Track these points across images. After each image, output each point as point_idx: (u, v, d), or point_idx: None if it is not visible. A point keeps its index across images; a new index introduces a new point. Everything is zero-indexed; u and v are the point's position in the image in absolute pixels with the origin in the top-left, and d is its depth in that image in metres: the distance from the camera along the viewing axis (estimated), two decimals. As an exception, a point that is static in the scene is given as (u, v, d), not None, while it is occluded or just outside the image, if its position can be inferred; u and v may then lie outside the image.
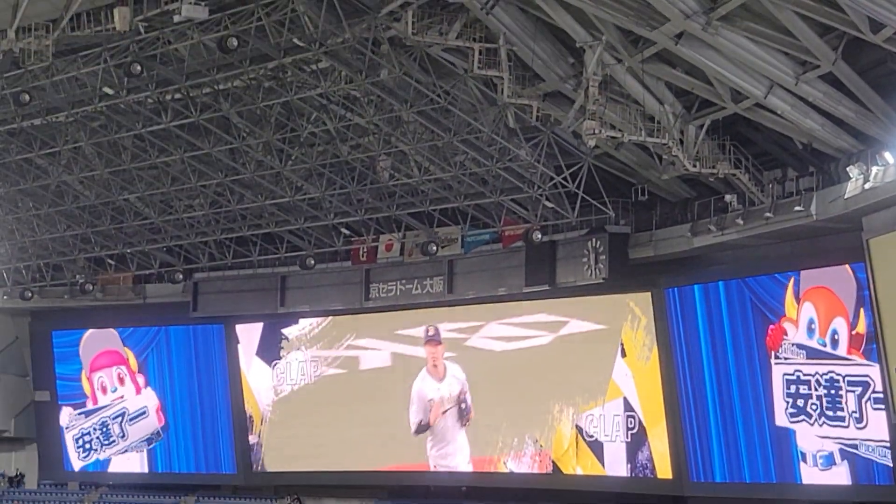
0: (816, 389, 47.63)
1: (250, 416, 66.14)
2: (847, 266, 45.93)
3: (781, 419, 48.92)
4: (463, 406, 59.69)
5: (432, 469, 60.94)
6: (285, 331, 65.31)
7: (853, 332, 46.07)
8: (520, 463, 58.16)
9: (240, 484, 67.93)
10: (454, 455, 60.22)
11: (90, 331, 70.06)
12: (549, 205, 51.77)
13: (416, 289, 59.55)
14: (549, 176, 50.22)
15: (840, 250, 46.22)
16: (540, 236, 52.34)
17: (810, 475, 48.20)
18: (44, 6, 45.27)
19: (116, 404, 69.45)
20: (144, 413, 68.86)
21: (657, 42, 43.06)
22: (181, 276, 64.54)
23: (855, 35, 39.80)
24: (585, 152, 49.03)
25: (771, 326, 48.99)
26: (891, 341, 43.55)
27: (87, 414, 70.04)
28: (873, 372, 45.23)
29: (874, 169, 42.04)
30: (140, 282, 68.00)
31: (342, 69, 47.04)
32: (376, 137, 52.09)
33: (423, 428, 61.02)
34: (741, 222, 47.64)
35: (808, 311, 47.81)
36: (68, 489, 71.39)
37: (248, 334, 66.21)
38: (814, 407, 47.74)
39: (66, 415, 70.49)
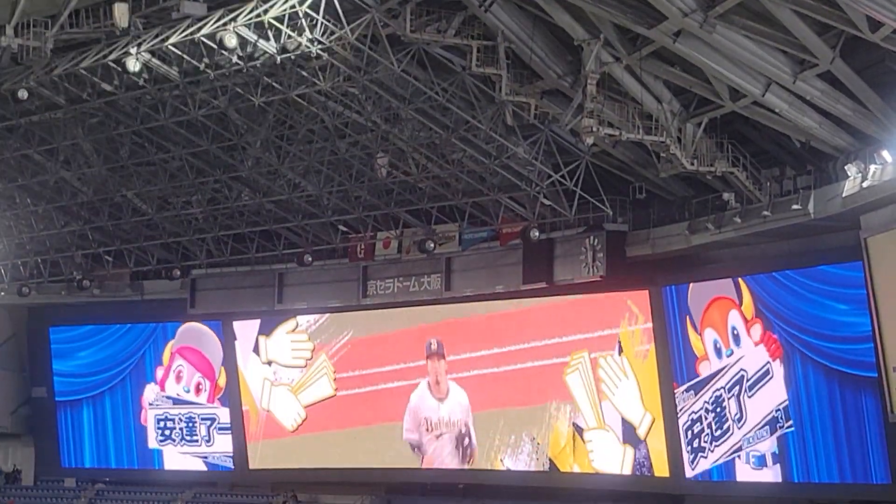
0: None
1: (247, 413, 66.13)
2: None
3: (778, 417, 49.11)
4: (465, 442, 59.55)
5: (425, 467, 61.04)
6: (282, 327, 65.28)
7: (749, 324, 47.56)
8: (517, 460, 58.19)
9: (236, 481, 67.96)
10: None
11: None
12: (547, 202, 51.80)
13: (414, 286, 59.58)
14: (547, 174, 50.24)
15: (838, 249, 46.28)
16: (537, 234, 52.34)
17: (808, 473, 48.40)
18: (42, 2, 45.28)
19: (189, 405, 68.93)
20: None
21: (655, 40, 43.10)
22: (179, 273, 64.49)
23: (853, 33, 39.81)
24: (583, 150, 49.03)
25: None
26: (889, 340, 43.57)
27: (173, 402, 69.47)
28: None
29: (872, 167, 42.04)
30: (138, 278, 67.93)
31: (340, 66, 47.05)
32: (374, 134, 52.10)
33: (413, 447, 61.01)
34: (739, 220, 47.66)
35: (709, 335, 49.60)
36: (65, 485, 71.36)
37: (246, 331, 66.22)
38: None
39: (151, 391, 69.57)
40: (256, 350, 65.63)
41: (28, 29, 44.39)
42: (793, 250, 48.63)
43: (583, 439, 55.66)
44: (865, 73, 42.47)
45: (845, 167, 43.21)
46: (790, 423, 48.30)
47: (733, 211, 48.05)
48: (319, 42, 44.53)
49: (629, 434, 54.10)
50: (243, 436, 66.22)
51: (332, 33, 44.17)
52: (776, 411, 48.71)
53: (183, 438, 68.35)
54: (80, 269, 66.23)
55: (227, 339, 66.42)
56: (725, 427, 50.35)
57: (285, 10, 43.34)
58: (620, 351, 54.29)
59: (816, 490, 48.59)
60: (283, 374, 65.12)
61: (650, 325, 53.02)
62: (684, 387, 51.54)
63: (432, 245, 56.42)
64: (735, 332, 49.49)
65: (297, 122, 52.62)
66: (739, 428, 49.86)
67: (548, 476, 57.27)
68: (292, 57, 45.90)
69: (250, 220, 60.31)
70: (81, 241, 64.23)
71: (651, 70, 45.52)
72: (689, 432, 51.52)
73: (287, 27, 44.02)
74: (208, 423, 67.44)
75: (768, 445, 49.03)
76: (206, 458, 67.81)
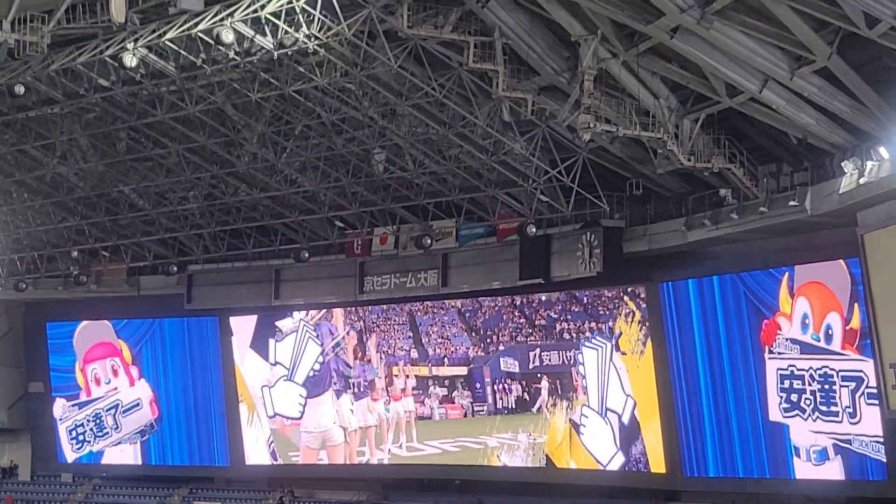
0: (810, 384, 47.66)
1: (244, 409, 66.15)
2: (841, 261, 45.95)
3: (775, 414, 48.96)
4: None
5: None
6: (279, 323, 65.29)
7: (847, 328, 46.08)
8: (513, 456, 58.21)
9: (233, 476, 67.97)
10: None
11: (84, 322, 70.05)
12: (544, 198, 51.83)
13: (411, 282, 59.55)
14: (544, 170, 50.28)
15: (834, 245, 46.27)
16: (534, 230, 52.39)
17: (804, 470, 48.27)
18: (39, -3, 45.26)
19: (110, 396, 69.42)
20: (138, 405, 68.83)
21: (652, 36, 43.07)
22: (175, 269, 64.49)
23: (850, 30, 39.76)
24: (580, 146, 49.08)
25: (765, 321, 49.01)
26: (885, 336, 43.60)
27: (81, 406, 70.01)
28: (867, 367, 45.25)
29: (869, 164, 42.04)
30: (134, 274, 67.90)
31: (337, 62, 47.02)
32: (371, 130, 52.10)
33: None
34: (736, 217, 47.67)
35: (802, 305, 47.80)
36: (62, 480, 71.36)
37: (242, 327, 66.22)
38: (808, 402, 47.79)
39: (59, 406, 70.47)
40: (257, 349, 65.71)
41: (25, 24, 44.26)
42: (790, 246, 48.63)
43: (579, 435, 55.71)
44: (862, 70, 42.44)
45: (842, 164, 43.19)
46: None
47: (730, 207, 48.05)
48: (316, 38, 44.50)
49: (625, 429, 54.13)
50: (239, 431, 66.20)
51: (329, 29, 44.15)
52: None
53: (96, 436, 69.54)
54: (76, 264, 66.26)
55: (224, 335, 66.40)
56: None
57: (282, 5, 43.31)
58: (617, 347, 54.31)
59: (814, 486, 48.59)
60: (280, 369, 65.20)
61: (647, 321, 53.03)
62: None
63: (429, 241, 56.42)
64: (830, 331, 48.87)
65: (293, 117, 52.58)
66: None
67: (544, 472, 57.30)
68: (289, 53, 45.89)
69: (247, 215, 60.33)
70: (78, 237, 64.21)
71: (648, 66, 45.49)
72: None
73: (284, 23, 43.99)
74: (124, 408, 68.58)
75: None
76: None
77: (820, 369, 47.25)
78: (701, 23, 40.77)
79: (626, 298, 53.89)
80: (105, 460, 70.15)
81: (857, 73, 42.36)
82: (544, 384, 57.34)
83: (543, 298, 57.23)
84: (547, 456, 57.07)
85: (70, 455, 70.58)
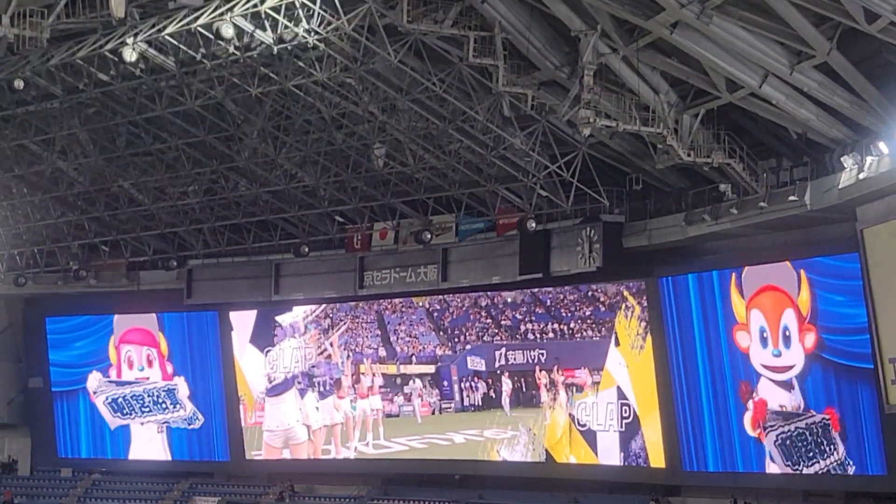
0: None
1: (244, 404, 66.16)
2: (787, 262, 47.61)
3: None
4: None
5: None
6: (279, 318, 65.32)
7: (804, 323, 47.26)
8: (513, 451, 58.24)
9: (233, 471, 67.98)
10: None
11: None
12: (544, 193, 51.85)
13: (410, 277, 59.53)
14: (544, 165, 50.28)
15: (834, 240, 46.29)
16: (534, 225, 52.39)
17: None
18: (39, -8, 45.24)
19: (143, 383, 69.08)
20: (174, 397, 68.72)
21: (652, 31, 43.06)
22: (175, 263, 64.54)
23: (850, 25, 39.77)
24: (580, 141, 49.07)
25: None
26: (884, 332, 43.61)
27: (118, 384, 69.54)
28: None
29: (868, 159, 42.05)
30: (134, 269, 67.84)
31: (337, 56, 47.00)
32: (371, 125, 52.10)
33: None
34: (735, 212, 47.68)
35: (757, 318, 49.04)
36: (61, 475, 71.34)
37: (242, 321, 66.23)
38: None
39: (94, 379, 69.89)
40: (256, 344, 65.80)
41: (24, 18, 44.25)
42: (789, 242, 48.65)
43: (578, 430, 55.71)
44: (862, 65, 42.44)
45: (842, 159, 43.20)
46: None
47: (730, 202, 48.06)
48: (316, 32, 44.51)
49: (625, 424, 54.15)
50: (239, 426, 66.22)
51: (329, 23, 44.16)
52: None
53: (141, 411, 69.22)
54: (76, 259, 66.27)
55: (224, 330, 66.40)
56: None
57: (282, 0, 43.33)
58: (617, 342, 54.33)
59: (812, 481, 48.63)
60: (280, 364, 65.15)
61: (646, 315, 53.06)
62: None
63: (429, 236, 56.46)
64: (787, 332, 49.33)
65: (293, 112, 52.60)
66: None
67: (544, 467, 57.32)
68: (289, 47, 45.88)
69: (247, 210, 60.31)
70: (78, 232, 64.23)
71: (648, 61, 45.48)
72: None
73: (284, 17, 44.00)
74: (165, 393, 68.29)
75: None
76: (167, 423, 68.38)
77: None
78: (701, 18, 40.78)
79: (625, 293, 53.90)
80: (104, 455, 70.14)
81: (856, 69, 42.37)
82: (508, 382, 58.24)
83: (509, 300, 57.96)
84: (547, 451, 57.09)
85: (114, 422, 69.74)
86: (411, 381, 61.24)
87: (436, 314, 60.68)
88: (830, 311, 46.71)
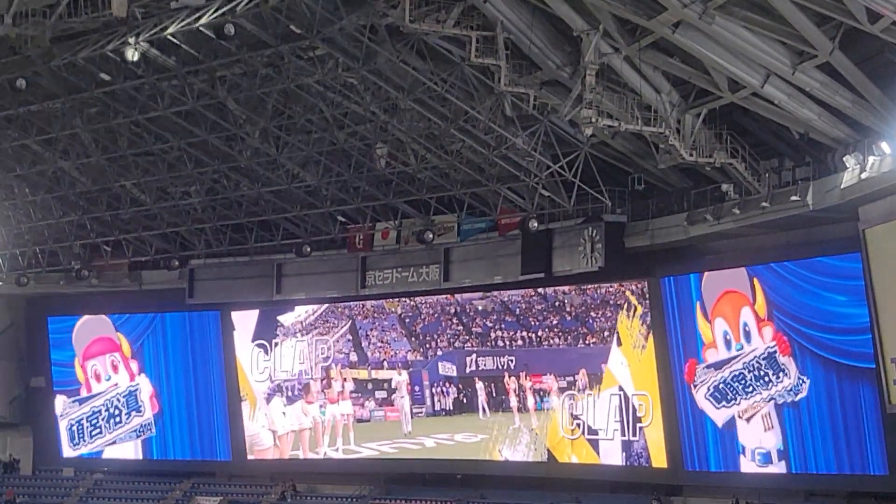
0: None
1: (246, 403, 66.17)
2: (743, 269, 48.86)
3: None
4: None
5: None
6: (281, 318, 65.34)
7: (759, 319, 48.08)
8: (515, 451, 58.25)
9: (235, 471, 67.99)
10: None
11: (83, 318, 70.05)
12: (546, 193, 51.84)
13: (413, 276, 59.54)
14: (546, 164, 50.28)
15: (836, 240, 46.29)
16: (536, 225, 52.37)
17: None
18: (41, -8, 45.30)
19: (110, 392, 69.40)
20: (137, 401, 68.78)
21: (654, 31, 43.07)
22: (177, 263, 64.52)
23: (852, 25, 39.78)
24: (582, 141, 49.06)
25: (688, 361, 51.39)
26: (885, 331, 43.62)
27: (81, 402, 70.02)
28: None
29: (870, 159, 42.06)
30: (136, 268, 67.87)
31: (339, 56, 47.01)
32: (373, 125, 52.10)
33: None
34: (737, 212, 47.67)
35: (720, 325, 49.72)
36: (63, 475, 71.37)
37: (244, 321, 66.24)
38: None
39: (60, 403, 70.49)
40: (257, 344, 65.88)
41: (26, 18, 44.34)
42: (791, 241, 48.66)
43: (581, 428, 55.76)
44: (864, 65, 42.45)
45: (844, 158, 43.21)
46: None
47: (732, 202, 48.06)
48: (319, 32, 44.50)
49: (627, 424, 54.16)
50: (241, 425, 66.24)
51: (332, 24, 44.15)
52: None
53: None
54: (78, 259, 66.28)
55: (226, 330, 66.42)
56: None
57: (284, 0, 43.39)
58: (619, 342, 54.33)
59: (814, 481, 48.65)
60: (282, 364, 65.19)
61: (648, 315, 53.06)
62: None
63: (431, 236, 56.44)
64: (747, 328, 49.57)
65: (295, 112, 52.59)
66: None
67: (546, 466, 57.32)
68: (291, 47, 45.89)
69: (249, 210, 60.32)
70: (80, 231, 64.22)
71: (650, 61, 45.49)
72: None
73: (285, 17, 44.01)
74: (125, 399, 68.67)
75: (774, 442, 49.19)
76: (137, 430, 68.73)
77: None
78: (703, 17, 40.80)
79: (627, 293, 53.91)
80: (107, 455, 70.15)
81: (858, 68, 42.39)
82: (480, 387, 58.71)
83: (479, 308, 58.60)
84: (549, 450, 57.10)
85: (69, 452, 70.55)
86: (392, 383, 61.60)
87: (408, 320, 60.80)
88: (831, 310, 46.74)
